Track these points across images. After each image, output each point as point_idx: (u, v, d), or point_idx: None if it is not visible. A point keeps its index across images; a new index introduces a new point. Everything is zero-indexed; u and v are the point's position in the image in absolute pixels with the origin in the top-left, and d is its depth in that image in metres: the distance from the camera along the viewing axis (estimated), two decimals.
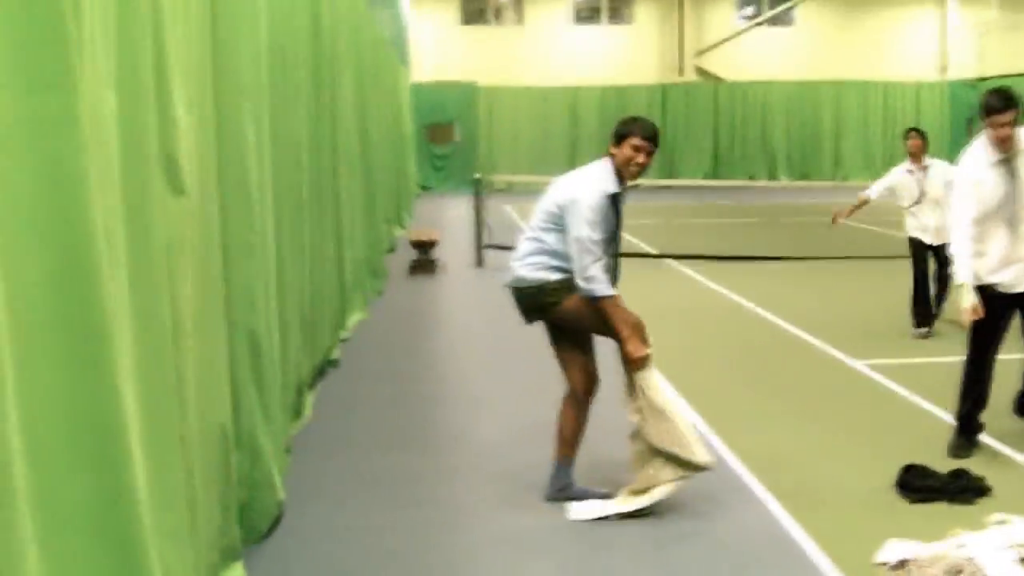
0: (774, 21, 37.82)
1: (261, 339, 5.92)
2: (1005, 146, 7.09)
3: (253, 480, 5.78)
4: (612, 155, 6.41)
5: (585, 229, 6.21)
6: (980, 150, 7.29)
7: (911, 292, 11.58)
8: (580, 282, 6.26)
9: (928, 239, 11.43)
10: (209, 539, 4.79)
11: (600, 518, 6.26)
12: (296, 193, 7.87)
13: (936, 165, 11.59)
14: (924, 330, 11.40)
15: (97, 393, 3.15)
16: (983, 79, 37.54)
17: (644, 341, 6.32)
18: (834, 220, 12.54)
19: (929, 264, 11.56)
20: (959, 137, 38.16)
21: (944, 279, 11.36)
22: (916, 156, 11.58)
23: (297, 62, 7.97)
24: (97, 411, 3.16)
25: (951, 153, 37.93)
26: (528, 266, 6.46)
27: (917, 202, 11.49)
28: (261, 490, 5.87)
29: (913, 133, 11.73)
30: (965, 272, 7.13)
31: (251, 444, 5.75)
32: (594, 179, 6.39)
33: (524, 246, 6.53)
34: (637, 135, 6.36)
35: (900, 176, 11.75)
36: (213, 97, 5.06)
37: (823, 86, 37.51)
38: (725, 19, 37.98)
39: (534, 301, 6.49)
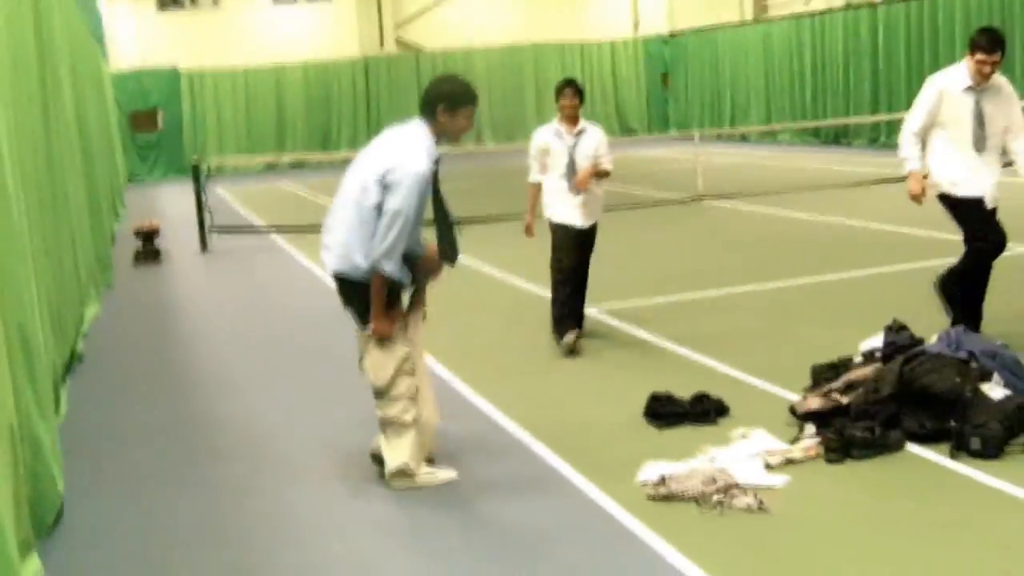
0: None
1: (30, 334, 5.92)
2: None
3: (36, 474, 5.79)
4: (438, 119, 6.16)
5: (408, 202, 5.93)
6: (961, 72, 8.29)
7: (554, 296, 9.41)
8: (377, 256, 5.97)
9: (578, 221, 9.34)
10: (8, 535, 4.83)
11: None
12: (36, 189, 7.79)
13: (591, 131, 9.47)
14: (573, 335, 9.20)
15: None
16: (673, 34, 39.26)
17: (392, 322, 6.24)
18: (528, 231, 9.69)
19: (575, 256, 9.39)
20: (655, 91, 39.86)
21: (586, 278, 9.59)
22: (571, 118, 9.36)
23: (25, 54, 7.87)
24: None
25: (650, 107, 39.68)
26: (359, 257, 6.10)
27: (566, 175, 9.30)
28: (44, 483, 5.89)
29: (568, 89, 9.36)
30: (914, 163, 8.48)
31: (31, 439, 5.77)
32: (420, 147, 6.09)
33: (344, 230, 6.15)
34: (474, 105, 6.24)
35: (546, 138, 9.47)
36: None
37: (523, 50, 38.36)
38: None
39: (363, 293, 6.21)
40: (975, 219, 8.36)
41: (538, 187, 9.57)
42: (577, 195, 9.27)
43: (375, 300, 6.13)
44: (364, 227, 6.06)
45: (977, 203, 8.32)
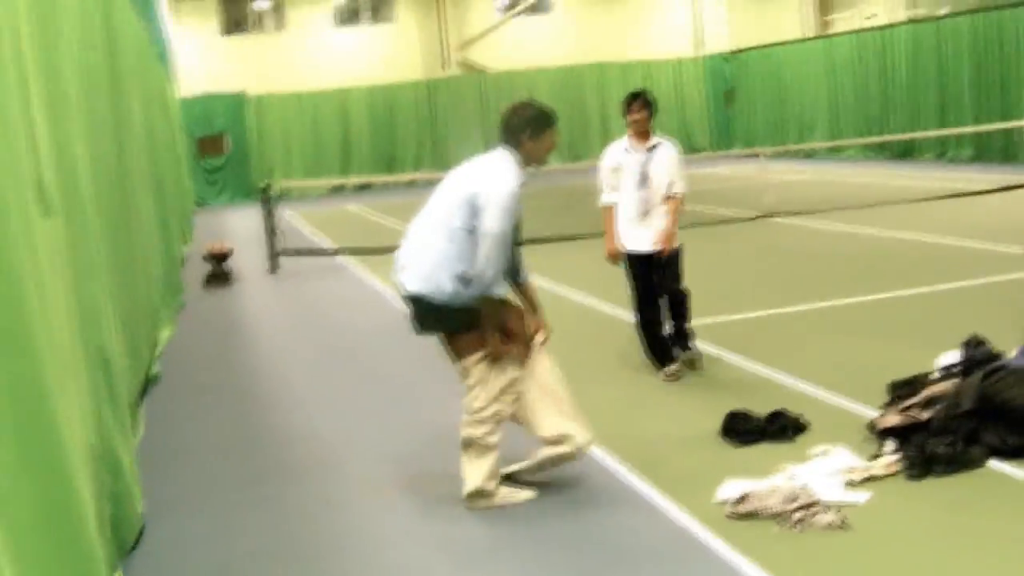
0: (533, 9, 38.52)
1: (110, 356, 5.99)
2: None
3: (117, 494, 5.83)
4: (523, 145, 6.26)
5: (502, 223, 6.02)
6: None
7: (640, 331, 9.04)
8: (487, 280, 6.04)
9: (644, 246, 8.81)
10: None
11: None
12: (109, 211, 7.88)
13: (665, 145, 8.94)
14: (674, 367, 8.82)
15: None
16: (737, 52, 39.17)
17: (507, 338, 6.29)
18: (612, 257, 9.08)
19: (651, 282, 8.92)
20: (718, 109, 39.76)
21: (679, 302, 9.09)
22: (641, 133, 8.84)
23: (99, 81, 7.98)
24: None
25: (714, 124, 39.61)
26: (444, 277, 6.13)
27: (640, 192, 8.77)
28: (124, 504, 5.93)
29: (636, 103, 8.79)
30: None
31: (111, 459, 5.81)
32: (506, 170, 6.19)
33: (429, 252, 6.17)
34: (555, 125, 6.41)
35: (618, 157, 8.93)
36: (50, 116, 5.12)
37: (586, 69, 38.41)
38: (485, 11, 38.50)
39: (446, 315, 6.25)
40: None
41: (611, 210, 8.97)
42: (646, 216, 8.77)
43: (488, 322, 6.17)
44: (452, 247, 6.12)
45: None
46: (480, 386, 6.27)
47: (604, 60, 38.64)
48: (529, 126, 6.29)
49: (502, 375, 6.28)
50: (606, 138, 37.18)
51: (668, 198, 8.84)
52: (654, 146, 8.86)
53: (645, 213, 8.82)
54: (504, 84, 37.37)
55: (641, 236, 8.84)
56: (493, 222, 6.01)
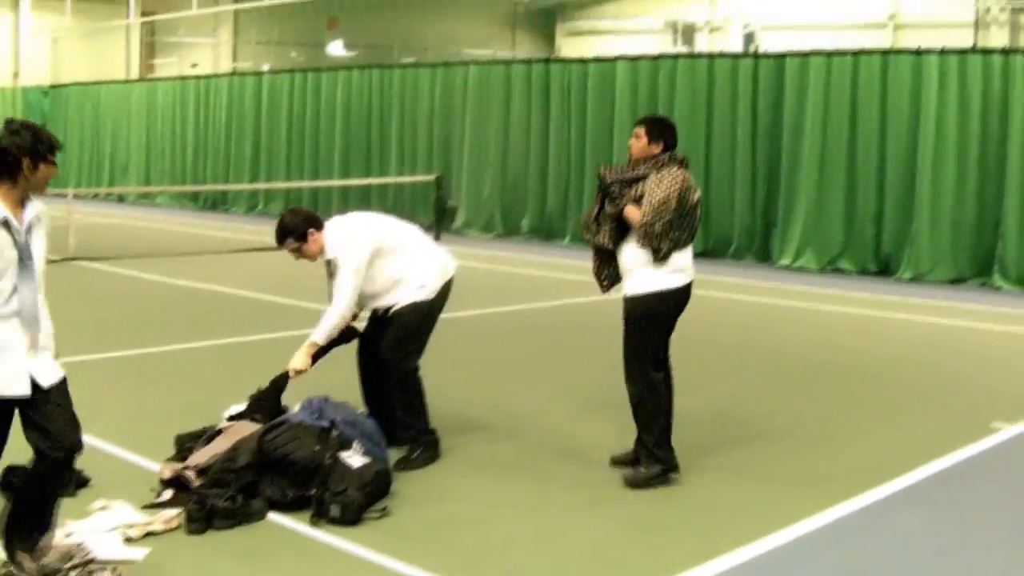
0: None
1: None
2: None
3: None
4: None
5: None
6: None
7: None
8: None
9: (31, 382, 5.43)
10: None
11: None
12: None
13: (41, 212, 5.63)
14: None
15: None
16: (55, 86, 37.93)
17: None
18: None
19: None
20: None
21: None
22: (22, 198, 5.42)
23: None
24: None
25: None
26: None
27: (24, 291, 5.39)
28: None
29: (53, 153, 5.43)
30: None
31: None
32: None
33: None
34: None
35: None
36: None
37: None
38: None
39: None
40: None
41: None
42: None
43: None
44: None
45: None
46: None
47: None
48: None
49: None
50: None
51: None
52: (37, 219, 5.66)
53: (32, 324, 5.46)
54: None
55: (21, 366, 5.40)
56: None
